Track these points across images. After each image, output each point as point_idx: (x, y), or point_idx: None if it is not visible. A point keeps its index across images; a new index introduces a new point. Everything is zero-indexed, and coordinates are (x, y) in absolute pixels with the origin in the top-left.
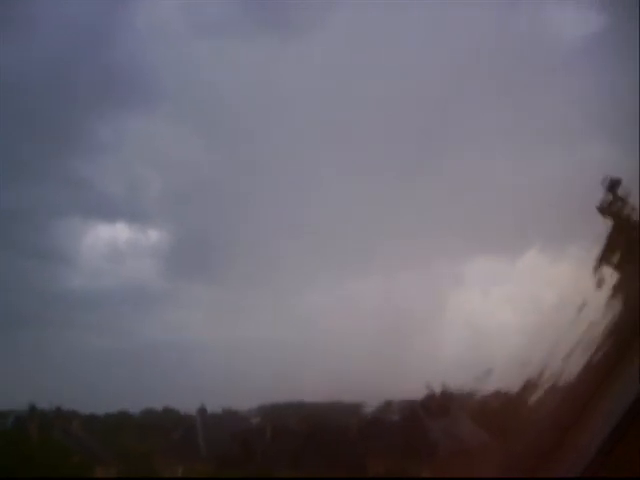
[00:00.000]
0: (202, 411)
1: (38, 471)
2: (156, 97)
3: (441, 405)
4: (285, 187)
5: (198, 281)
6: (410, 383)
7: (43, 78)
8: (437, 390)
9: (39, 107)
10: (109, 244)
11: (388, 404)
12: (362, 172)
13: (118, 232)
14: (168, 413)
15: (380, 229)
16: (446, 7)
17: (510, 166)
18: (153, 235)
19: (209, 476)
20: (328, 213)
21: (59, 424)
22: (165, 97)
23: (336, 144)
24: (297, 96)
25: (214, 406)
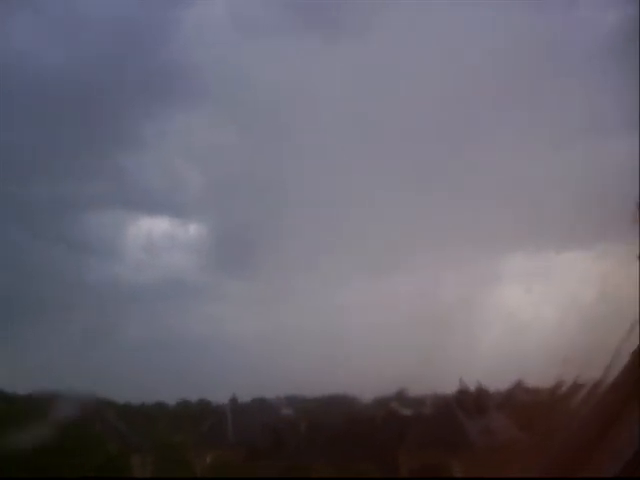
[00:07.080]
0: (233, 401)
1: (73, 458)
2: (200, 94)
3: (476, 402)
4: (324, 184)
5: (236, 275)
6: (446, 379)
7: (91, 75)
8: (472, 387)
9: (85, 103)
10: (150, 237)
11: (423, 399)
12: (399, 171)
13: (159, 225)
14: (202, 404)
15: (418, 225)
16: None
17: (547, 162)
18: (194, 229)
19: (238, 465)
20: (367, 208)
21: (96, 413)
22: (209, 94)
23: (375, 144)
24: (339, 95)
25: (247, 397)
